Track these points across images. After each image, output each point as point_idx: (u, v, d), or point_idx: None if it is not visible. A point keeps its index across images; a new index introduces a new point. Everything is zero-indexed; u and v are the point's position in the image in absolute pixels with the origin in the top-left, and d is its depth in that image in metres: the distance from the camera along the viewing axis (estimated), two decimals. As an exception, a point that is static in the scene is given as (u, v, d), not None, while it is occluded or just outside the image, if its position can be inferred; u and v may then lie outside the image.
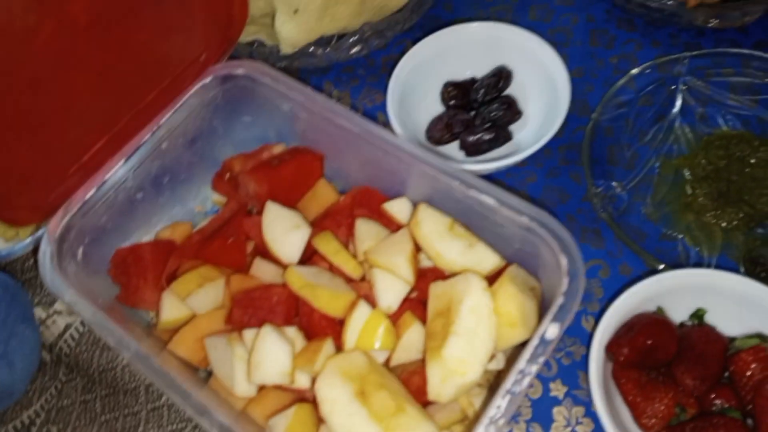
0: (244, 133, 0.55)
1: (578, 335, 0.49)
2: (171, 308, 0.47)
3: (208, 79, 0.50)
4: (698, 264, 0.48)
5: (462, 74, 0.59)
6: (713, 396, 0.41)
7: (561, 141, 0.56)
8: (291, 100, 0.49)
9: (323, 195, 0.52)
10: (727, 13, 0.53)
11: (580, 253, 0.38)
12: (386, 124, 0.53)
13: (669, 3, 0.55)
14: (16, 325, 0.50)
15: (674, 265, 0.47)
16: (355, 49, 0.62)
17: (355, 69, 0.65)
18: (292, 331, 0.43)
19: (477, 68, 0.59)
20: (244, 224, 0.50)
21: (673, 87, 0.55)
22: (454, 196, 0.43)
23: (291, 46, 0.58)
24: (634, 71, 0.55)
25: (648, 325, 0.41)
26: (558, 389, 0.47)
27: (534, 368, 0.36)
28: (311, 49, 0.60)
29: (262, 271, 0.47)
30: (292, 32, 0.57)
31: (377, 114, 0.62)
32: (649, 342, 0.40)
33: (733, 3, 0.53)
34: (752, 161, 0.50)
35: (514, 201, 0.41)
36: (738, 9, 0.52)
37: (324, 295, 0.43)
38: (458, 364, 0.38)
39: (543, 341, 0.36)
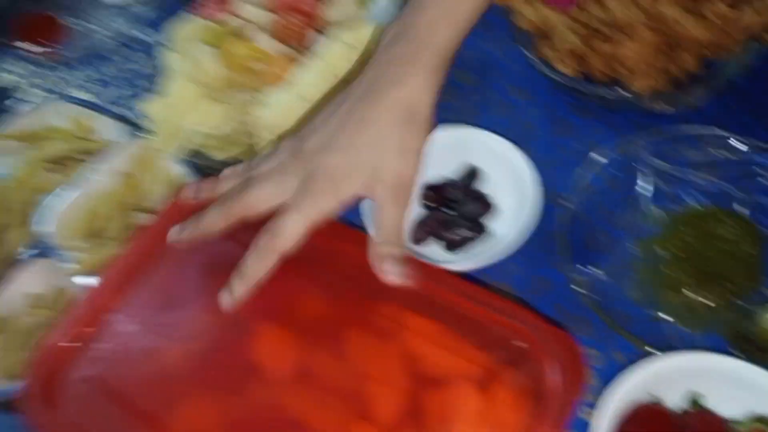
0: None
1: (576, 427, 0.48)
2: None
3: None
4: (690, 345, 0.48)
5: (437, 175, 0.61)
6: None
7: (539, 231, 0.57)
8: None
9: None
10: (676, 97, 0.56)
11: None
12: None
13: (621, 92, 0.58)
14: None
15: (665, 347, 0.47)
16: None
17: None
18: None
19: (450, 169, 0.61)
20: None
21: (637, 168, 0.57)
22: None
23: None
24: (597, 156, 0.58)
25: (645, 416, 0.41)
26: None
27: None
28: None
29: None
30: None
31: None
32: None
33: (681, 87, 0.57)
34: (724, 236, 0.52)
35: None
36: (686, 92, 0.56)
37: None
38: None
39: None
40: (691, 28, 0.55)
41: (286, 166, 0.46)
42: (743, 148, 0.55)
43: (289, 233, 0.44)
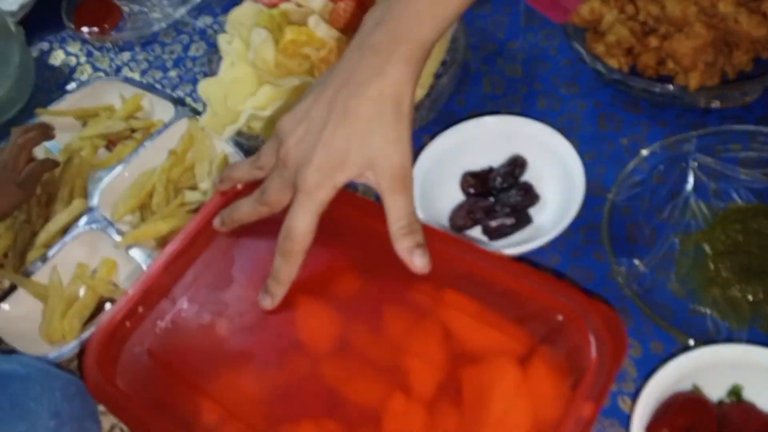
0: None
1: (616, 416, 0.48)
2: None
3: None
4: (729, 338, 0.48)
5: (479, 164, 0.62)
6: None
7: (581, 222, 0.58)
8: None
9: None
10: (727, 94, 0.56)
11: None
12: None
13: (671, 87, 0.58)
14: (85, 420, 0.52)
15: (705, 340, 0.47)
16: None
17: (377, 163, 0.68)
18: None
19: (493, 158, 0.62)
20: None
21: (684, 165, 0.57)
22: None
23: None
24: (644, 152, 0.58)
25: (685, 406, 0.41)
26: (601, 474, 0.46)
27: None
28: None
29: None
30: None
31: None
32: (689, 423, 0.40)
33: (733, 84, 0.56)
34: (769, 233, 0.51)
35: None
36: (737, 89, 0.55)
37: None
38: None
39: (579, 420, 0.37)
40: (747, 24, 0.54)
41: (279, 165, 0.47)
42: (793, 147, 0.55)
43: (300, 233, 0.45)
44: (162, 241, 0.64)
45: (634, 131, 0.63)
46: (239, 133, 0.65)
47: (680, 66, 0.57)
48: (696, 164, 0.57)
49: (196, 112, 0.73)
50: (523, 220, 0.58)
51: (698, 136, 0.57)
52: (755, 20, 0.54)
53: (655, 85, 0.58)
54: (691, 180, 0.57)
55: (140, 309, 0.50)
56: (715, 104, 0.56)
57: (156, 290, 0.52)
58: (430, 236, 0.45)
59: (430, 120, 0.67)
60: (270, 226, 0.51)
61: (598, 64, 0.61)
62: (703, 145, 0.57)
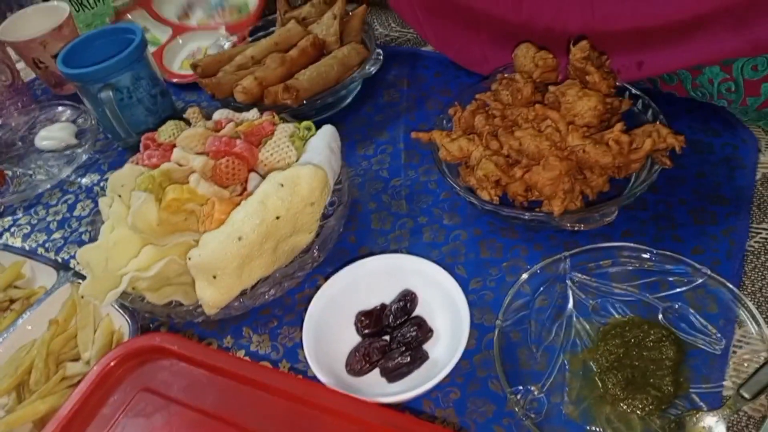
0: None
1: None
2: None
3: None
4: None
5: (371, 302, 0.63)
6: None
7: (474, 351, 0.59)
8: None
9: None
10: (588, 217, 0.60)
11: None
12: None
13: (539, 213, 0.62)
14: None
15: (605, 462, 0.47)
16: (269, 294, 0.65)
17: (272, 310, 0.68)
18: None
19: (385, 295, 0.63)
20: None
21: (562, 284, 0.60)
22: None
23: (214, 308, 0.61)
24: (525, 275, 0.61)
25: None
26: None
27: None
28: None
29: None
30: (213, 296, 0.60)
31: (298, 351, 0.63)
32: None
33: (593, 206, 0.61)
34: (647, 344, 0.54)
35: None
36: (596, 212, 0.60)
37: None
38: None
39: None
40: (594, 154, 0.60)
41: None
42: (653, 258, 0.59)
43: None
44: (39, 424, 0.59)
45: (513, 255, 0.66)
46: (129, 296, 0.63)
47: (542, 195, 0.61)
48: (573, 283, 0.60)
49: (81, 276, 0.70)
50: (419, 357, 0.58)
51: (571, 256, 0.61)
52: (600, 150, 0.60)
53: (524, 213, 0.62)
54: (571, 299, 0.60)
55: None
56: (581, 227, 0.60)
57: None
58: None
59: (323, 261, 0.68)
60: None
61: (471, 197, 0.65)
62: (576, 263, 0.61)
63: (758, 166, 0.67)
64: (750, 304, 0.55)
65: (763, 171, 0.67)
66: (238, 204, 0.62)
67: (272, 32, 0.91)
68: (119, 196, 0.66)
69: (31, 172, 0.93)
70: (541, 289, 0.61)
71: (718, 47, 0.65)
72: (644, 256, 0.60)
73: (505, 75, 0.72)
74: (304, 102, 0.80)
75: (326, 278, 0.64)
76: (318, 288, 0.63)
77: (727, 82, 0.67)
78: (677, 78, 0.72)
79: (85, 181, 0.89)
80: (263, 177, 0.66)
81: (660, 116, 0.65)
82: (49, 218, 0.85)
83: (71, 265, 0.76)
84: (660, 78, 0.75)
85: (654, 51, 0.69)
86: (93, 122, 0.94)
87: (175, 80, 1.00)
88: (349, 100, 0.89)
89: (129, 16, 1.10)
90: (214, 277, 0.59)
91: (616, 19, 0.70)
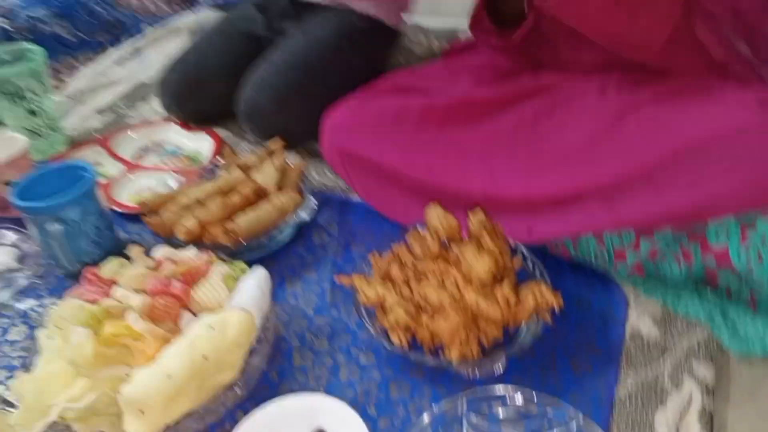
0: None
1: None
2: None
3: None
4: None
5: (288, 439, 0.68)
6: None
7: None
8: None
9: None
10: (483, 364, 0.69)
11: None
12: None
13: (440, 360, 0.71)
14: None
15: None
16: (192, 429, 0.69)
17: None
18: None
19: (300, 432, 0.69)
20: None
21: (459, 426, 0.68)
22: None
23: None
24: (425, 417, 0.68)
25: None
26: None
27: None
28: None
29: None
30: (140, 430, 0.64)
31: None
32: None
33: (486, 356, 0.70)
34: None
35: None
36: (490, 360, 0.69)
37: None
38: None
39: None
40: (486, 309, 0.70)
41: None
42: (537, 401, 0.68)
43: None
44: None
45: (419, 395, 0.73)
46: (58, 426, 0.66)
47: (443, 342, 0.70)
48: (470, 424, 0.68)
49: (10, 404, 0.73)
50: (327, 492, 0.63)
51: (467, 399, 0.69)
52: (491, 305, 0.70)
53: (427, 359, 0.71)
54: (466, 438, 0.67)
55: None
56: (474, 373, 0.69)
57: None
58: None
59: (244, 397, 0.73)
60: None
61: (384, 339, 0.73)
62: (473, 406, 0.69)
63: (627, 321, 0.79)
64: (615, 448, 0.64)
65: (632, 324, 0.79)
66: (170, 342, 0.68)
67: (218, 177, 1.01)
68: (59, 328, 0.70)
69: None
70: (442, 428, 0.68)
71: (590, 221, 0.79)
72: (529, 399, 0.69)
73: (419, 229, 0.84)
74: (243, 243, 0.89)
75: (245, 413, 0.69)
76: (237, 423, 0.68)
77: (601, 251, 0.81)
78: (561, 244, 0.85)
79: (22, 306, 0.93)
80: (195, 315, 0.73)
81: (545, 275, 0.77)
82: (-20, 345, 0.87)
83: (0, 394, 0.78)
84: (548, 242, 0.88)
85: (541, 219, 0.82)
86: (36, 248, 0.99)
87: (120, 210, 1.07)
88: (283, 242, 0.98)
89: (85, 149, 1.18)
90: (142, 411, 0.64)
91: (510, 190, 0.83)
